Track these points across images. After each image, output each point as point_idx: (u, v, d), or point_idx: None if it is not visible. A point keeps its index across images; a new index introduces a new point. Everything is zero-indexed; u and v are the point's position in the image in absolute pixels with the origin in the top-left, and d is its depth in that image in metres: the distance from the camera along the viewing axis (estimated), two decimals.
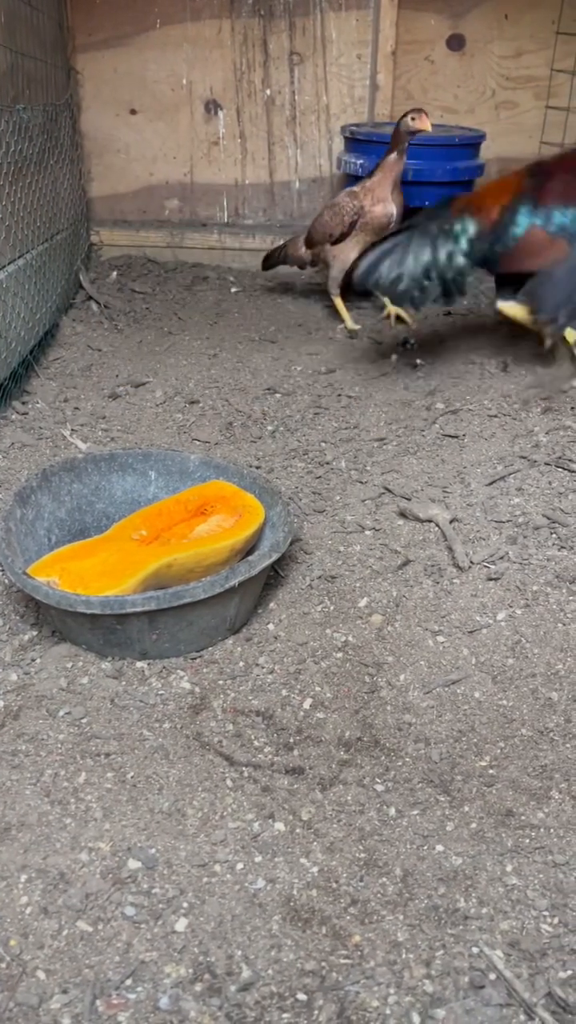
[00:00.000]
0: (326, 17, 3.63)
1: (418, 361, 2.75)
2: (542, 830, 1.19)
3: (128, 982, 0.98)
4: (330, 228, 2.99)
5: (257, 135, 3.82)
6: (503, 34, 3.72)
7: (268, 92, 3.75)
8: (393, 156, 2.86)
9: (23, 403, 2.42)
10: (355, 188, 2.98)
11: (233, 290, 3.54)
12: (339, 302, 3.09)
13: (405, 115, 2.79)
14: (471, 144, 3.36)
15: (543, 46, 3.73)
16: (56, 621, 1.52)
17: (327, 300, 3.34)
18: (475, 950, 1.03)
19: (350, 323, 3.06)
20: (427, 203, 2.87)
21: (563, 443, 2.16)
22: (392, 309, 3.06)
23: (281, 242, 3.36)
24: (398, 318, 3.07)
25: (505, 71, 3.79)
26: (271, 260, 3.35)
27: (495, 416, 2.34)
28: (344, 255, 2.99)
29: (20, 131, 2.53)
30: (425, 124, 2.73)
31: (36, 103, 2.77)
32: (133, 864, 1.12)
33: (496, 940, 1.04)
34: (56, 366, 2.71)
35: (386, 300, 3.00)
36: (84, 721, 1.36)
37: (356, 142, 3.37)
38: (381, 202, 2.90)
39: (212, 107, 3.77)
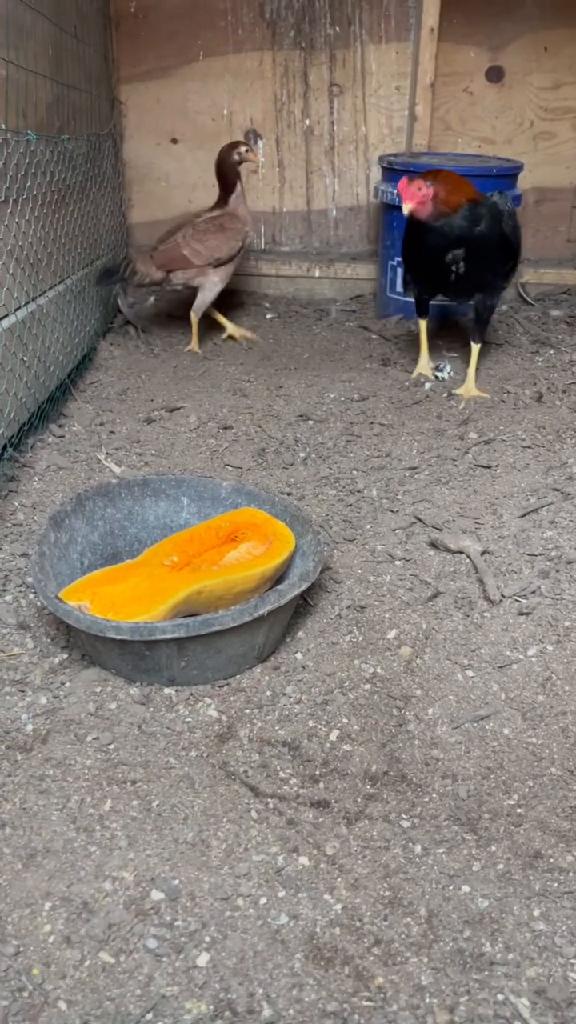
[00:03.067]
0: (366, 49, 3.67)
1: (453, 392, 2.75)
2: (571, 874, 1.17)
3: (148, 1016, 0.98)
4: (219, 252, 2.99)
5: (295, 164, 3.86)
6: (542, 66, 3.74)
7: (307, 122, 3.80)
8: (235, 196, 3.06)
9: (59, 426, 2.46)
10: (222, 215, 3.02)
11: (268, 316, 3.57)
12: (198, 325, 3.11)
13: (234, 147, 2.99)
14: (508, 175, 3.37)
15: None
16: (86, 645, 1.53)
17: (361, 328, 3.36)
18: (500, 997, 1.01)
19: (195, 345, 3.11)
20: None
21: None
22: (233, 330, 3.12)
23: (122, 257, 3.13)
24: (231, 337, 3.18)
25: (544, 102, 3.80)
26: (111, 276, 3.00)
27: (529, 447, 2.33)
28: (224, 279, 3.03)
29: (65, 161, 2.59)
30: (254, 157, 3.03)
31: (80, 133, 2.84)
32: (156, 895, 1.12)
33: (522, 987, 1.02)
34: (92, 390, 2.75)
35: (226, 324, 3.12)
36: (111, 747, 1.37)
37: (393, 172, 3.39)
38: (250, 233, 3.08)
39: (252, 136, 3.83)
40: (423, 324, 2.84)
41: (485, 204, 2.48)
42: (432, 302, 2.81)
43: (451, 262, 2.50)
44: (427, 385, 2.76)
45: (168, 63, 3.72)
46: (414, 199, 2.41)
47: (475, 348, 2.62)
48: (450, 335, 3.24)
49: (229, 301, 3.64)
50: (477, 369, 2.71)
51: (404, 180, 2.43)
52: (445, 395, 2.72)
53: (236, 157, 2.98)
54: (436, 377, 2.82)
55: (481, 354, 3.08)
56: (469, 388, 2.69)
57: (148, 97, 3.76)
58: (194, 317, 3.11)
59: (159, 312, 3.50)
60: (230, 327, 3.15)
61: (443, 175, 2.46)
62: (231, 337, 3.12)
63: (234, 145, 2.99)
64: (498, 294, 2.55)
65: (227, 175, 3.02)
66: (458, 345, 3.14)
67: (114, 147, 3.51)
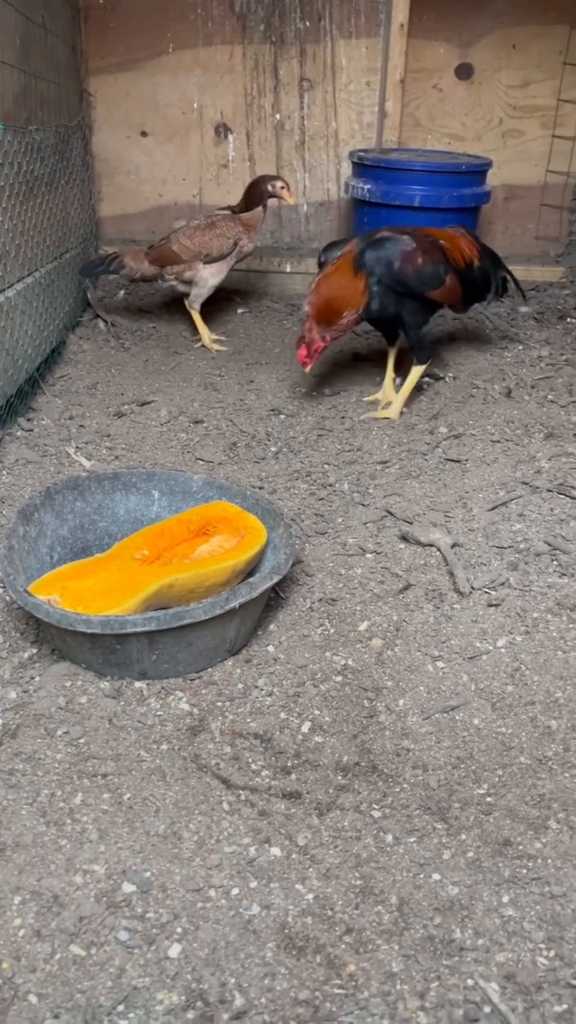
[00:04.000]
0: (336, 44, 3.68)
1: (424, 382, 2.76)
2: (539, 860, 1.19)
3: (120, 1008, 0.98)
4: (207, 248, 3.00)
5: (266, 159, 3.86)
6: (511, 63, 3.77)
7: (278, 117, 3.79)
8: (259, 210, 3.05)
9: (28, 420, 2.43)
10: (228, 216, 3.05)
11: (239, 311, 3.56)
12: (200, 319, 3.11)
13: (272, 180, 3.02)
14: (477, 171, 3.39)
15: (550, 76, 3.78)
16: (56, 639, 1.52)
17: None
18: (470, 982, 1.02)
19: (208, 340, 3.11)
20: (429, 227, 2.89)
21: (565, 469, 2.16)
22: (207, 338, 3.10)
23: (113, 252, 3.15)
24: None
25: (512, 100, 3.83)
26: (96, 267, 3.09)
27: (498, 441, 2.35)
28: (214, 275, 3.03)
29: (33, 152, 2.56)
30: (290, 197, 3.05)
31: (48, 124, 2.81)
32: (128, 888, 1.11)
33: (492, 973, 1.03)
34: (62, 383, 2.73)
35: (201, 328, 3.10)
36: (82, 741, 1.36)
37: (364, 167, 3.40)
38: (252, 242, 3.06)
39: (222, 131, 3.82)
40: (389, 351, 2.73)
41: (368, 291, 2.40)
42: None
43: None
44: (397, 380, 2.77)
45: (137, 55, 3.69)
46: (314, 358, 2.45)
47: (414, 370, 2.56)
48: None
49: None
50: (410, 393, 2.59)
51: (301, 348, 2.44)
52: (415, 390, 2.73)
53: (269, 188, 3.01)
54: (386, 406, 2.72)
55: (451, 350, 3.10)
56: (393, 409, 2.56)
57: (117, 89, 3.74)
58: (193, 313, 3.10)
59: (129, 306, 3.48)
60: (205, 336, 3.13)
61: (324, 310, 2.40)
62: (202, 344, 3.11)
63: (273, 177, 3.04)
64: (415, 318, 2.49)
65: (252, 197, 3.05)
66: (461, 349, 3.15)
67: (83, 139, 3.48)
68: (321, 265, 2.55)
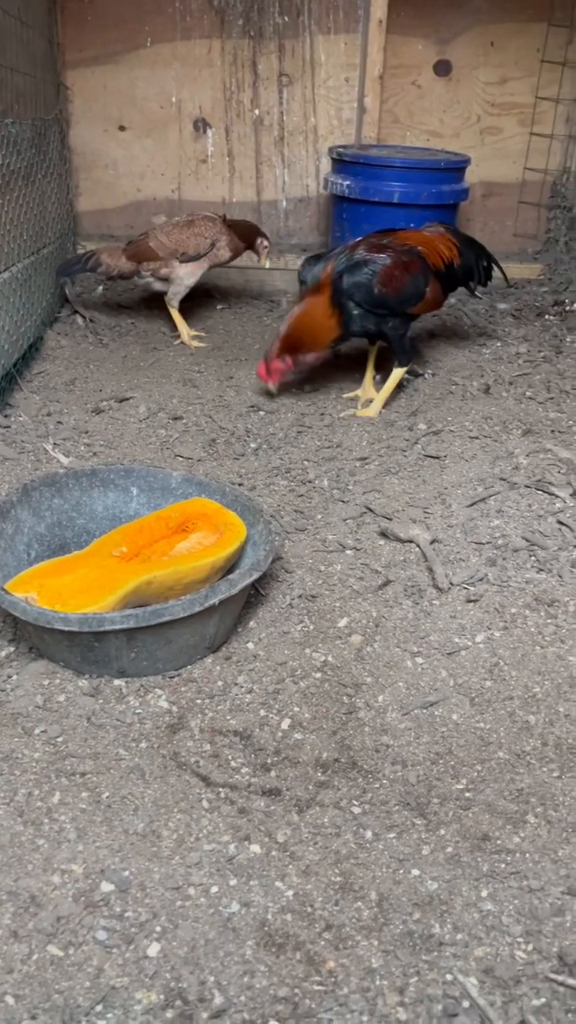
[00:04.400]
0: (315, 40, 3.67)
1: (403, 379, 2.76)
2: (518, 855, 1.19)
3: (98, 1008, 0.97)
4: (184, 247, 2.99)
5: (245, 154, 3.84)
6: (489, 61, 3.78)
7: (257, 112, 3.78)
8: (241, 244, 3.12)
9: (5, 416, 2.41)
10: (209, 216, 3.06)
11: (218, 307, 3.55)
12: (178, 315, 3.11)
13: (261, 236, 3.15)
14: (456, 168, 3.40)
15: (528, 73, 3.79)
16: (34, 638, 1.51)
17: None
18: (449, 977, 1.03)
19: (187, 336, 3.10)
20: (412, 225, 2.89)
21: (543, 466, 2.17)
22: (186, 335, 3.09)
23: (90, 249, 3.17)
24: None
25: (490, 97, 3.85)
26: (73, 266, 3.07)
27: (476, 438, 2.36)
28: (189, 275, 3.02)
29: (8, 145, 2.54)
30: (265, 261, 3.20)
31: (25, 117, 2.78)
32: (106, 887, 1.11)
33: (470, 967, 1.04)
34: (40, 380, 2.71)
35: (180, 324, 3.10)
36: (60, 740, 1.35)
37: (343, 163, 3.40)
38: (228, 248, 3.07)
39: (201, 125, 3.80)
40: (371, 349, 2.72)
41: (345, 317, 2.42)
42: None
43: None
44: (377, 377, 2.77)
45: (115, 49, 3.67)
46: (274, 378, 2.49)
47: (395, 372, 2.56)
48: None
49: None
50: (391, 393, 2.58)
51: (261, 366, 2.50)
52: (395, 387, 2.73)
53: (258, 243, 3.14)
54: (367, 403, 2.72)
55: (430, 347, 3.11)
56: (373, 408, 2.55)
57: (95, 83, 3.71)
58: (172, 310, 3.09)
59: (108, 302, 3.46)
60: (184, 332, 3.11)
61: (295, 340, 2.43)
62: (181, 341, 3.09)
63: (263, 234, 3.16)
64: (397, 331, 2.50)
65: (242, 234, 3.12)
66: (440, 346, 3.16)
67: (60, 133, 3.45)
68: (301, 283, 2.55)
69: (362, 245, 2.48)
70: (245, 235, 3.11)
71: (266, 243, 3.13)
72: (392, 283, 2.40)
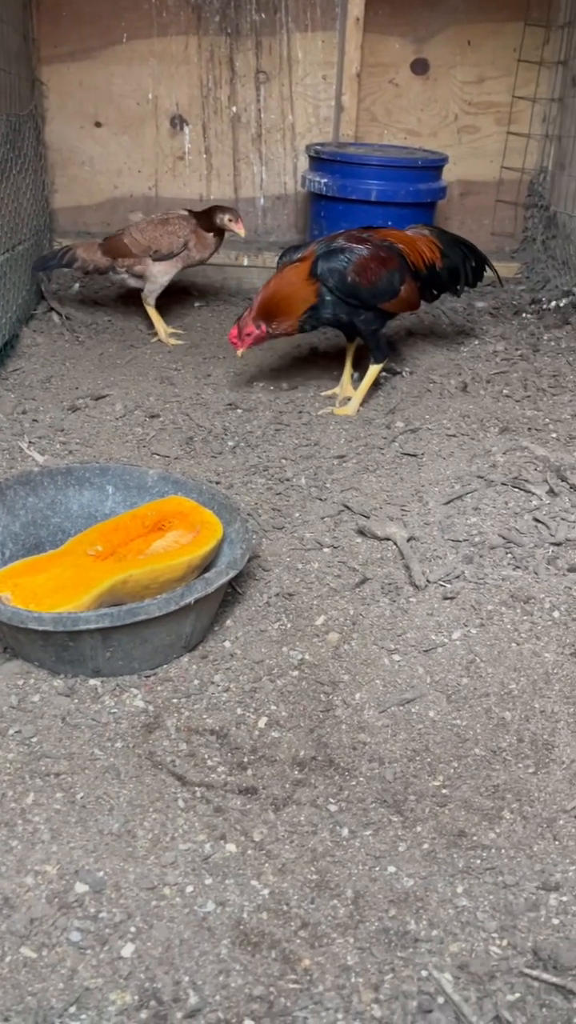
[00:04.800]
0: (292, 37, 3.66)
1: (381, 377, 2.77)
2: (493, 851, 1.20)
3: (72, 1010, 0.96)
4: (157, 244, 2.97)
5: (222, 151, 3.83)
6: (466, 60, 3.79)
7: (234, 109, 3.77)
8: (210, 235, 3.03)
9: None
10: (184, 216, 3.01)
11: (196, 304, 3.54)
12: (155, 313, 3.09)
13: (222, 211, 2.99)
14: (433, 167, 3.41)
15: (505, 73, 3.80)
16: (8, 637, 1.50)
17: None
18: (424, 973, 1.03)
19: (164, 334, 3.08)
20: (389, 223, 2.90)
21: (519, 463, 2.18)
22: (163, 333, 3.08)
23: (66, 245, 3.14)
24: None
25: (468, 96, 3.86)
26: (48, 261, 3.08)
27: (454, 436, 2.37)
28: (163, 273, 3.00)
29: None
30: (240, 229, 2.99)
31: None
32: (80, 888, 1.10)
33: (445, 963, 1.04)
34: (15, 377, 2.68)
35: (157, 322, 3.08)
36: (34, 740, 1.34)
37: (321, 161, 3.40)
38: (201, 253, 3.04)
39: (178, 122, 3.78)
40: (348, 347, 2.72)
41: (320, 296, 2.41)
42: None
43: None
44: (355, 375, 2.77)
45: (91, 44, 3.64)
46: (245, 343, 2.45)
47: (372, 369, 2.56)
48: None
49: None
50: (368, 391, 2.59)
51: (233, 329, 2.47)
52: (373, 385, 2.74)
53: (217, 220, 2.99)
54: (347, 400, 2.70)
55: (408, 345, 3.11)
56: (351, 406, 2.55)
57: (70, 79, 3.68)
58: (148, 308, 3.07)
59: (84, 299, 3.44)
60: (161, 330, 3.09)
61: (271, 305, 2.42)
62: (159, 339, 3.08)
63: (223, 209, 3.01)
64: (369, 326, 2.50)
65: (207, 221, 3.02)
66: (418, 344, 3.16)
67: (35, 129, 3.43)
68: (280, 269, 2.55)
69: (342, 236, 2.49)
70: (209, 223, 3.01)
71: (229, 216, 2.97)
72: (366, 274, 2.41)
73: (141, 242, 2.96)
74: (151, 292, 3.04)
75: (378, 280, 2.43)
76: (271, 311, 2.44)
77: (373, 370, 2.57)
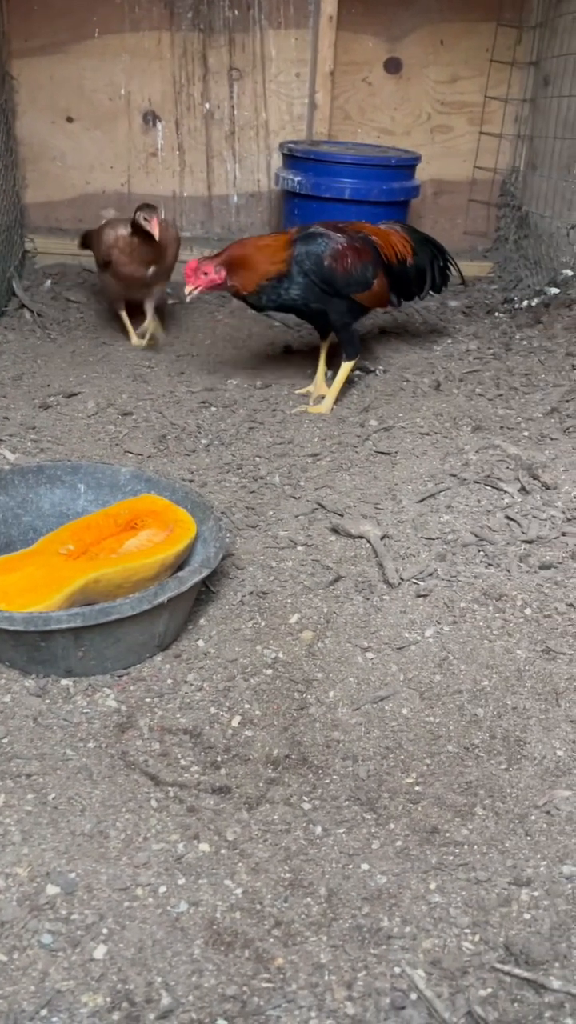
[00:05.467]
0: (265, 34, 3.66)
1: (354, 376, 2.78)
2: (466, 847, 1.20)
3: (43, 1012, 0.95)
4: (97, 254, 2.92)
5: (196, 148, 3.82)
6: (439, 59, 3.80)
7: (207, 106, 3.76)
8: (136, 240, 2.78)
9: None
10: (121, 232, 2.79)
11: (170, 302, 3.52)
12: (124, 317, 3.02)
13: (139, 210, 2.72)
14: (407, 166, 3.42)
15: (477, 73, 3.83)
16: None
17: (264, 315, 3.36)
18: (397, 970, 1.03)
19: (134, 339, 3.01)
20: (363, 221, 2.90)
21: (492, 462, 2.20)
22: (133, 338, 3.02)
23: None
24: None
25: (440, 96, 3.87)
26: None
27: (427, 434, 2.38)
28: (108, 281, 2.93)
29: None
30: (154, 228, 2.69)
31: None
32: (52, 889, 1.09)
33: (418, 959, 1.04)
34: None
35: (131, 333, 3.02)
36: (5, 741, 1.32)
37: (294, 159, 3.39)
38: (130, 266, 2.83)
39: (150, 118, 3.76)
40: (322, 345, 2.70)
41: (290, 272, 2.38)
42: None
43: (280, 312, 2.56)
44: (328, 373, 2.77)
45: (62, 38, 3.61)
46: (198, 283, 2.37)
47: (344, 366, 2.56)
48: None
49: None
50: (341, 388, 2.58)
51: (194, 261, 2.38)
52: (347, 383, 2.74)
53: (135, 218, 2.73)
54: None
55: (382, 344, 3.12)
56: (325, 404, 2.55)
57: (41, 73, 3.65)
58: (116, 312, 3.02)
59: (56, 296, 3.40)
60: (134, 339, 3.02)
61: (238, 257, 2.38)
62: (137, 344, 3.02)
63: (141, 207, 2.73)
64: (342, 318, 2.50)
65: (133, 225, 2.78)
66: (391, 343, 3.17)
67: (5, 124, 3.39)
68: None
69: (319, 225, 2.51)
70: (136, 228, 2.74)
71: (144, 214, 2.69)
72: (342, 262, 2.42)
73: (95, 252, 2.92)
74: (107, 299, 2.96)
75: (352, 269, 2.45)
76: (236, 262, 2.39)
77: (345, 367, 2.58)
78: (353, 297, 2.50)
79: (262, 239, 2.50)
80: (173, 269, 2.96)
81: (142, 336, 3.01)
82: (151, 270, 2.86)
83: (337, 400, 2.59)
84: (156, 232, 2.70)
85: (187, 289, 2.41)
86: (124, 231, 2.80)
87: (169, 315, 3.37)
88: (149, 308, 2.99)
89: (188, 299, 2.43)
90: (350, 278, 2.45)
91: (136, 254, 2.81)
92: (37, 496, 1.78)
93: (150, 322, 2.99)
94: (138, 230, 2.75)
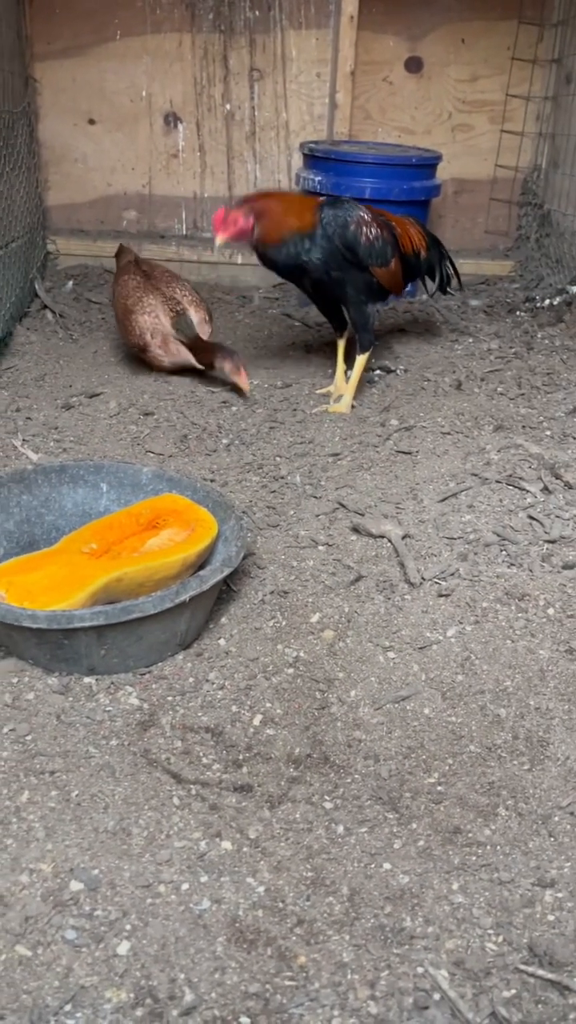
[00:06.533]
0: (286, 35, 3.66)
1: (375, 375, 2.77)
2: (488, 847, 1.20)
3: (67, 1008, 0.96)
4: (128, 338, 2.73)
5: (216, 149, 3.83)
6: (460, 58, 3.79)
7: (228, 107, 3.76)
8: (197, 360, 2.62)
9: None
10: (159, 309, 2.64)
11: None
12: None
13: (227, 359, 2.55)
14: (427, 165, 3.41)
15: (498, 71, 3.80)
16: (2, 635, 1.49)
17: (284, 315, 3.36)
18: (420, 970, 1.03)
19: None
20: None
21: (514, 461, 2.19)
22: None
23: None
24: None
25: (461, 94, 3.86)
26: None
27: (448, 433, 2.37)
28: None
29: None
30: (244, 383, 2.55)
31: None
32: (75, 886, 1.10)
33: (441, 960, 1.04)
34: (8, 375, 2.68)
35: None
36: (29, 738, 1.33)
37: (314, 159, 3.39)
38: (169, 357, 2.68)
39: (172, 120, 3.77)
40: (339, 343, 2.68)
41: (315, 233, 2.36)
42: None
43: (297, 282, 2.50)
44: (348, 372, 2.76)
45: (84, 41, 3.63)
46: (227, 231, 2.32)
47: (358, 360, 2.55)
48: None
49: None
50: (359, 384, 2.56)
51: (222, 210, 2.33)
52: (367, 383, 2.74)
53: (223, 370, 2.58)
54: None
55: (402, 343, 3.11)
56: (343, 403, 2.54)
57: (64, 76, 3.67)
58: None
59: (78, 297, 3.43)
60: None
61: (270, 207, 2.37)
62: None
63: (230, 358, 2.56)
64: (361, 297, 2.47)
65: (210, 356, 2.61)
66: (412, 342, 3.16)
67: (28, 126, 3.42)
68: None
69: (344, 198, 2.53)
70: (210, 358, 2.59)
71: (230, 364, 2.54)
72: (365, 230, 2.42)
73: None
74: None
75: (374, 241, 2.45)
76: (265, 211, 2.36)
77: (360, 360, 2.57)
78: (372, 270, 2.48)
79: (289, 194, 2.50)
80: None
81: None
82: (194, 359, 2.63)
83: (356, 398, 2.58)
84: (246, 387, 2.53)
85: (216, 239, 2.35)
86: (162, 318, 2.58)
87: None
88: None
89: (216, 248, 2.39)
90: (372, 249, 2.45)
91: (175, 351, 2.63)
92: (60, 495, 1.79)
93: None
94: (213, 361, 2.55)
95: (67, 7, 3.56)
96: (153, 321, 2.63)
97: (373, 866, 1.16)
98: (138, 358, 2.77)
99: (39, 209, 3.60)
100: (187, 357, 2.63)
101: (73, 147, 3.79)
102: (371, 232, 2.43)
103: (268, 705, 1.44)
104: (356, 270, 2.46)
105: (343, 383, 2.66)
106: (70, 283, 3.53)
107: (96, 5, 3.58)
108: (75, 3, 3.56)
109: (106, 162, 3.83)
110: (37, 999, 0.97)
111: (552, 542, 1.86)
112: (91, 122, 3.77)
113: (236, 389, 2.59)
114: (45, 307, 3.23)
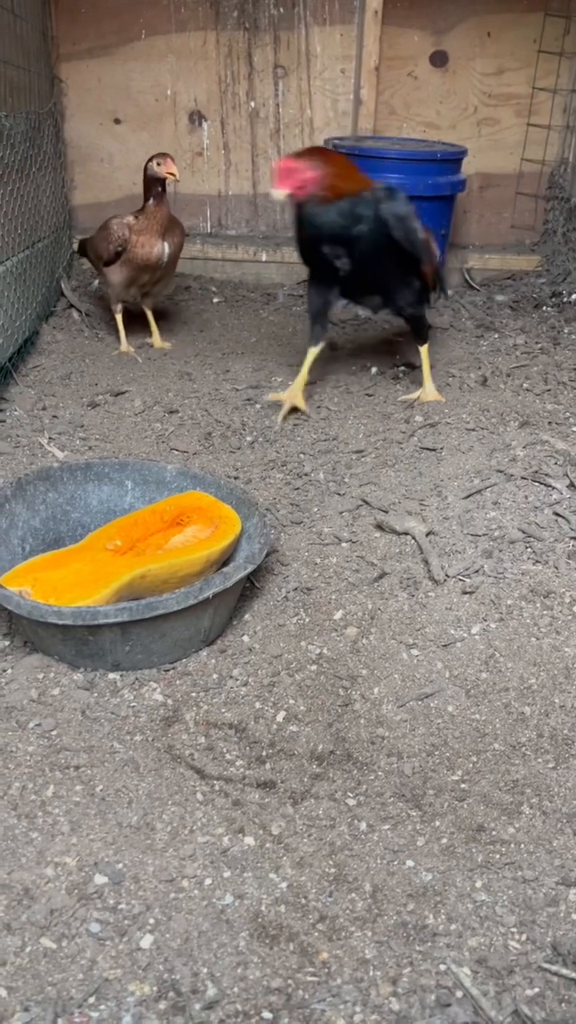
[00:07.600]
0: (310, 31, 3.65)
1: (400, 371, 2.76)
2: (512, 845, 1.19)
3: (91, 1000, 0.97)
4: (100, 250, 2.84)
5: (241, 147, 3.83)
6: (485, 52, 3.76)
7: (252, 104, 3.77)
8: (151, 203, 2.70)
9: (1, 411, 2.41)
10: (129, 219, 2.74)
11: (215, 300, 3.54)
12: (119, 319, 2.92)
13: (150, 160, 2.65)
14: (453, 159, 3.39)
15: (524, 64, 3.77)
16: (28, 631, 1.51)
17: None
18: (443, 967, 1.02)
19: (124, 346, 2.92)
20: None
21: (540, 457, 2.17)
22: (124, 344, 2.93)
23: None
24: None
25: (487, 88, 3.83)
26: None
27: (473, 430, 2.35)
28: (114, 278, 2.84)
29: (2, 139, 2.53)
30: (171, 168, 2.61)
31: (19, 111, 2.77)
32: (99, 879, 1.11)
33: (464, 957, 1.04)
34: (35, 374, 2.70)
35: (121, 334, 2.94)
36: (54, 733, 1.35)
37: None
38: (147, 245, 2.73)
39: (196, 118, 3.78)
40: (310, 352, 2.50)
41: (364, 202, 2.24)
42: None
43: (333, 257, 2.32)
44: (373, 369, 2.76)
45: (109, 41, 3.65)
46: (292, 182, 2.15)
47: (422, 351, 2.54)
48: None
49: (176, 284, 3.60)
50: (432, 368, 2.58)
51: (286, 159, 2.17)
52: (392, 379, 2.73)
53: (148, 170, 2.68)
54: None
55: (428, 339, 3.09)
56: (429, 391, 2.55)
57: (89, 76, 3.69)
58: (114, 315, 2.96)
59: (104, 296, 3.44)
60: (124, 344, 2.94)
61: (330, 161, 2.23)
62: (120, 351, 2.94)
63: (155, 155, 2.67)
64: (412, 297, 2.40)
65: (145, 184, 2.73)
66: (437, 338, 3.15)
67: (55, 126, 3.44)
68: None
69: None
70: (145, 186, 2.69)
71: (157, 160, 2.61)
72: (419, 224, 2.33)
73: (92, 249, 2.91)
74: (110, 298, 2.92)
75: (424, 237, 2.37)
76: (333, 161, 2.24)
77: (424, 350, 2.58)
78: (420, 263, 2.38)
79: (351, 161, 2.37)
80: (177, 263, 2.89)
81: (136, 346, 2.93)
82: (166, 250, 2.75)
83: (384, 394, 2.57)
84: (175, 172, 2.61)
85: (276, 192, 2.20)
86: (130, 217, 2.75)
87: (215, 314, 3.39)
88: (150, 313, 2.99)
89: (278, 198, 2.23)
90: (424, 244, 2.37)
91: (151, 227, 2.71)
92: (85, 493, 1.81)
93: (156, 332, 3.00)
94: (150, 185, 2.67)
95: (92, 7, 3.59)
96: (121, 221, 2.77)
97: (396, 863, 1.16)
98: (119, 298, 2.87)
99: (65, 209, 3.62)
100: (161, 232, 2.73)
101: (99, 147, 3.82)
102: (421, 227, 2.34)
103: (291, 702, 1.44)
104: (401, 263, 2.36)
105: (302, 394, 2.49)
106: (96, 282, 3.55)
107: (121, 5, 3.59)
108: (100, 3, 3.58)
109: (132, 161, 3.84)
110: (61, 991, 0.98)
111: None
112: (116, 121, 3.79)
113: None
114: (71, 306, 3.25)
